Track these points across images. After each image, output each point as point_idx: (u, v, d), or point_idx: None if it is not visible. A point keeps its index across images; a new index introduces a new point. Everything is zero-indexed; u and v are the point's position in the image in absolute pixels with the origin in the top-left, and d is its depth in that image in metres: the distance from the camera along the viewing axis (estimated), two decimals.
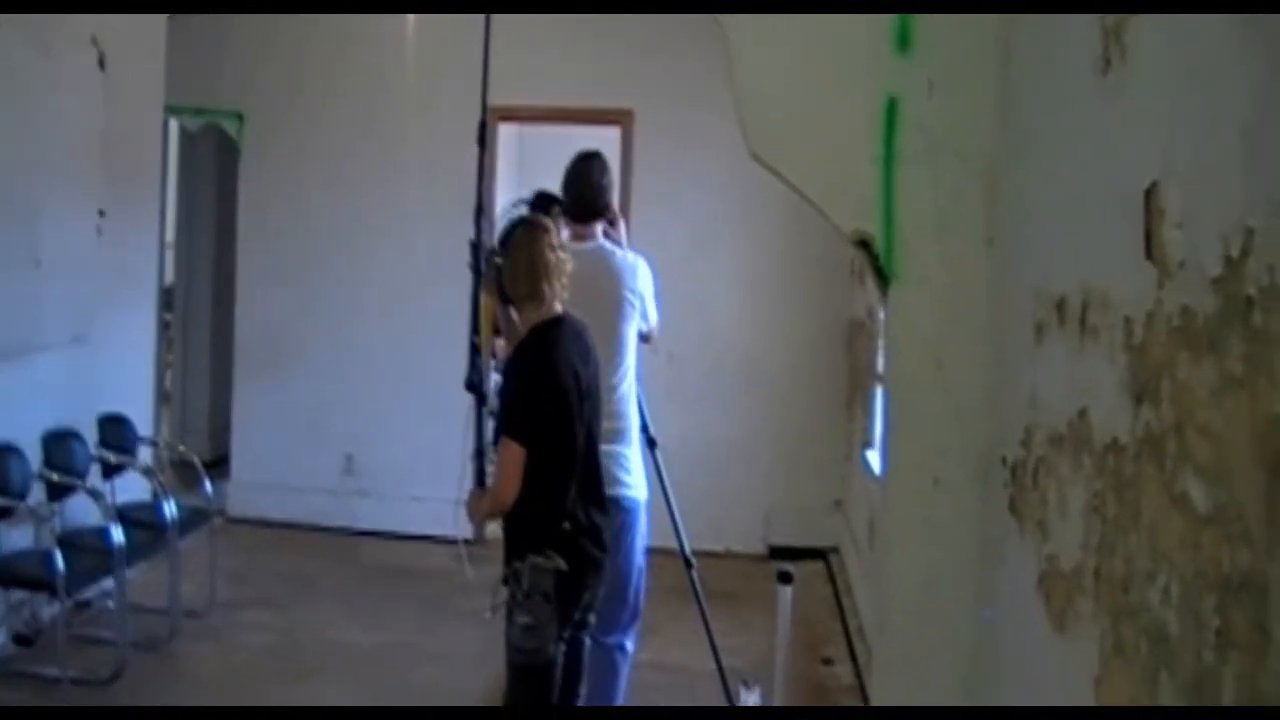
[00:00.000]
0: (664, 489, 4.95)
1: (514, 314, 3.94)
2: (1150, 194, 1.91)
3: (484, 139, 4.33)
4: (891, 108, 3.08)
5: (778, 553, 7.59)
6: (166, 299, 9.20)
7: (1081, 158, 2.36)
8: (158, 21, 7.08)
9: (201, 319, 9.61)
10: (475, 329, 4.05)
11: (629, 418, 4.56)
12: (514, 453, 3.59)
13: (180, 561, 6.11)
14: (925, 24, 3.05)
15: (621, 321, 4.56)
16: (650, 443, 4.94)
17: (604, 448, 4.20)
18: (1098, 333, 2.21)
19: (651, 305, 4.75)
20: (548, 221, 3.98)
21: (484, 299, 4.09)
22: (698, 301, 7.61)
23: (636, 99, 7.57)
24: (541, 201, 4.68)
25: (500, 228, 3.97)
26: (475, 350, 4.04)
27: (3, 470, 5.31)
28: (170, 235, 9.19)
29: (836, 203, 3.17)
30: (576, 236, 4.62)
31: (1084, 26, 2.28)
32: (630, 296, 4.60)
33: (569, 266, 3.80)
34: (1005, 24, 2.94)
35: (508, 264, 3.84)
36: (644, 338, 4.76)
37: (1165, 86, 1.91)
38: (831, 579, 7.33)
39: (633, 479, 4.51)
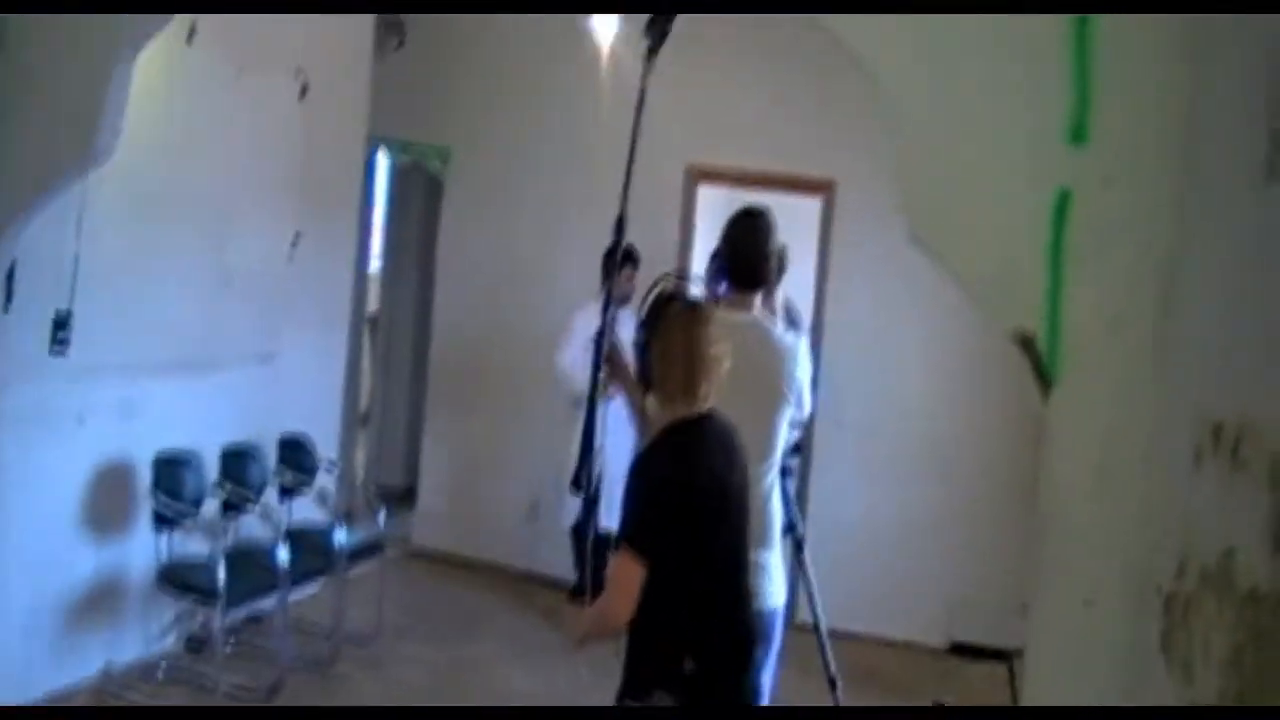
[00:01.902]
0: (811, 599, 4.54)
1: (650, 405, 3.42)
2: None
3: (621, 229, 3.71)
4: (1063, 201, 2.88)
5: (960, 649, 7.30)
6: (372, 327, 9.47)
7: (1244, 272, 2.14)
8: (363, 57, 7.39)
9: (403, 348, 9.81)
10: (590, 427, 3.52)
11: (774, 516, 4.10)
12: (630, 570, 2.98)
13: (347, 587, 6.20)
14: (1101, 115, 2.85)
15: (777, 411, 4.09)
16: (797, 544, 4.52)
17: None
18: (1248, 467, 1.99)
19: (808, 393, 4.26)
20: (710, 306, 3.43)
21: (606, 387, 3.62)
22: (886, 378, 7.41)
23: (840, 169, 7.40)
24: (716, 267, 4.34)
25: (649, 300, 3.40)
26: (587, 444, 3.53)
27: (180, 480, 5.48)
28: (377, 265, 9.50)
29: (998, 295, 2.98)
30: (731, 305, 4.12)
31: (1253, 125, 2.07)
32: (789, 383, 4.12)
33: (728, 363, 3.28)
34: (1185, 118, 2.72)
35: (657, 347, 3.27)
36: (793, 427, 4.25)
37: None
38: (1012, 684, 6.97)
39: (774, 587, 4.04)
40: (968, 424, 7.41)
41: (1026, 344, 2.95)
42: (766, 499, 4.04)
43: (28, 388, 4.82)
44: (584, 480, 3.51)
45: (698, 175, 7.78)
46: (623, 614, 2.99)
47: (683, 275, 3.55)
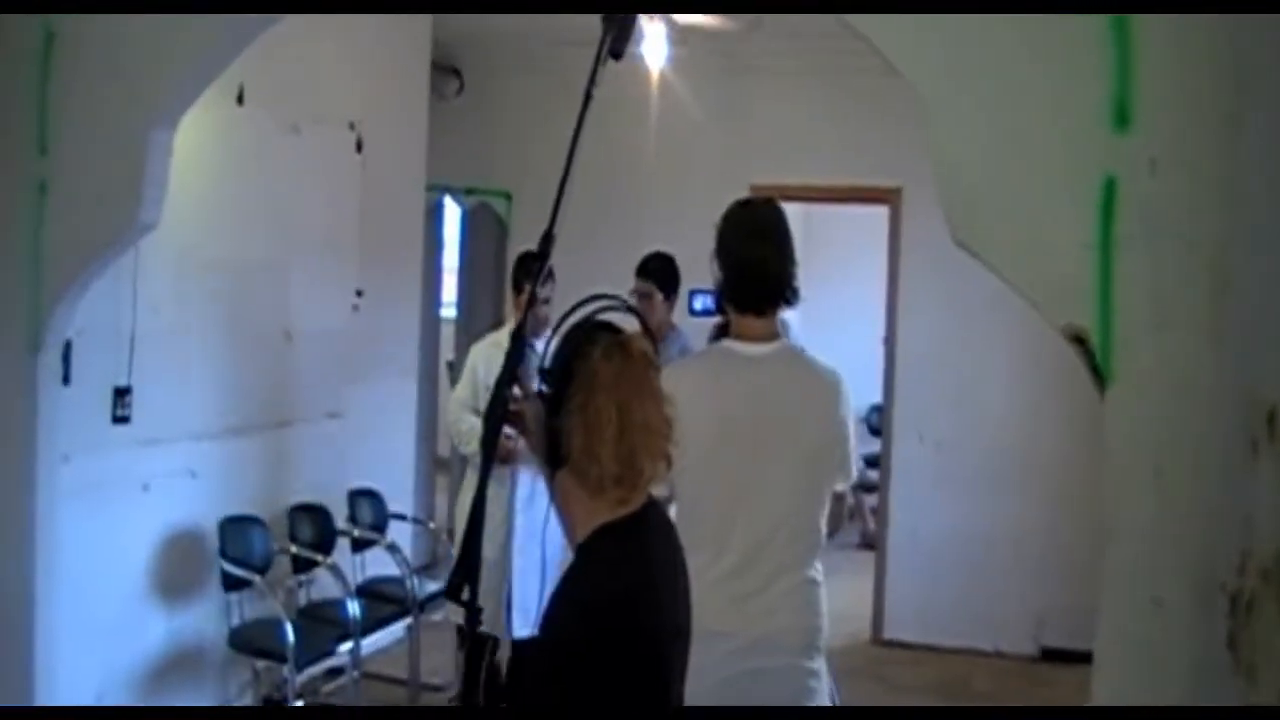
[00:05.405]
0: None
1: (568, 488, 2.26)
2: None
3: (546, 254, 2.78)
4: (1109, 189, 2.77)
5: (1050, 655, 7.14)
6: (451, 373, 9.50)
7: None
8: (419, 106, 7.44)
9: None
10: (479, 508, 2.41)
11: (822, 611, 3.16)
12: None
13: (425, 635, 6.13)
14: (1145, 97, 2.74)
15: (825, 478, 3.12)
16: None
17: (799, 662, 3.09)
18: None
19: (854, 447, 3.22)
20: (647, 343, 2.32)
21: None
22: (966, 387, 7.27)
23: (906, 174, 7.26)
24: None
25: (560, 334, 2.35)
26: (472, 536, 2.39)
27: (248, 542, 5.47)
28: (452, 312, 9.63)
29: (1048, 292, 2.87)
30: (746, 335, 3.13)
31: None
32: (840, 438, 3.16)
33: (676, 427, 2.24)
34: (1235, 94, 2.60)
35: (572, 411, 2.19)
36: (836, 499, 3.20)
37: None
38: None
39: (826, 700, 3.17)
40: (1048, 430, 7.21)
41: (1079, 340, 2.85)
42: (813, 593, 3.15)
43: (92, 459, 4.77)
44: (459, 583, 2.35)
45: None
46: None
47: (627, 304, 2.54)
